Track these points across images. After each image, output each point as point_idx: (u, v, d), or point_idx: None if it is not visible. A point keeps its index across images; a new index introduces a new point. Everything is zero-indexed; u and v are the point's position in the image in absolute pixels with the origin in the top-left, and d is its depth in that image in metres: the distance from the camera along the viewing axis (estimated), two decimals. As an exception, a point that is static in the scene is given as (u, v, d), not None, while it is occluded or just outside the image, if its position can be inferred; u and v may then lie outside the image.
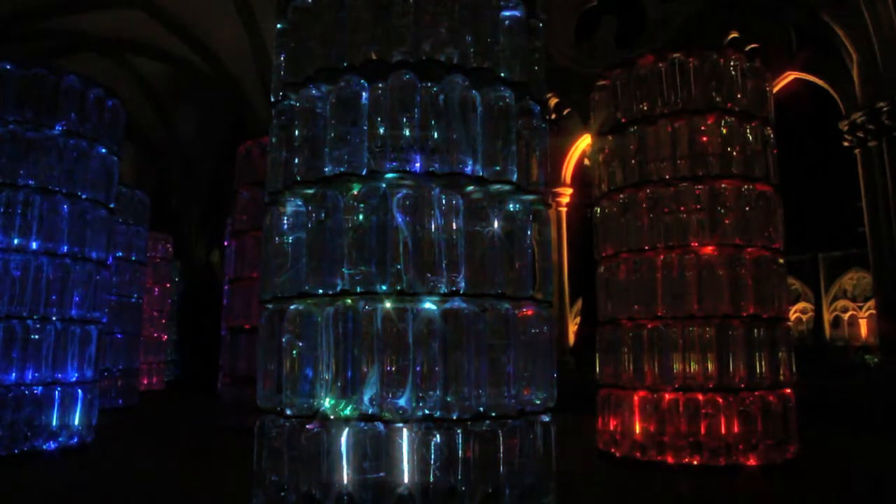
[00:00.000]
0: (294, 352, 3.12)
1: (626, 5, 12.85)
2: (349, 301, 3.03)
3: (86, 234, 6.05)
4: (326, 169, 3.16)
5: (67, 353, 5.83)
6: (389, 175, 3.06)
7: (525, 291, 3.23)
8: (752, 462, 4.91)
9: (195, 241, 18.10)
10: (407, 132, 3.09)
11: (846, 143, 10.15)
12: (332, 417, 2.97)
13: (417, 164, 3.07)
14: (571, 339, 15.31)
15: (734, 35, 11.45)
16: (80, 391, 5.91)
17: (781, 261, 5.42)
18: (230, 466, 4.82)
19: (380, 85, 3.14)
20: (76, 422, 5.88)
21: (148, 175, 18.35)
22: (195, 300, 15.84)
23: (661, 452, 5.07)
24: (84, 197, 6.04)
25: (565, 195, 14.46)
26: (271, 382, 3.22)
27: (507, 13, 3.38)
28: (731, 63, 5.44)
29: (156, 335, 13.02)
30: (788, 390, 5.20)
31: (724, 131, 5.32)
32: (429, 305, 2.99)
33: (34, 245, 5.70)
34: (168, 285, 13.93)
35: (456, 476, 2.90)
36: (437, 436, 2.90)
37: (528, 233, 3.29)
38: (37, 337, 5.64)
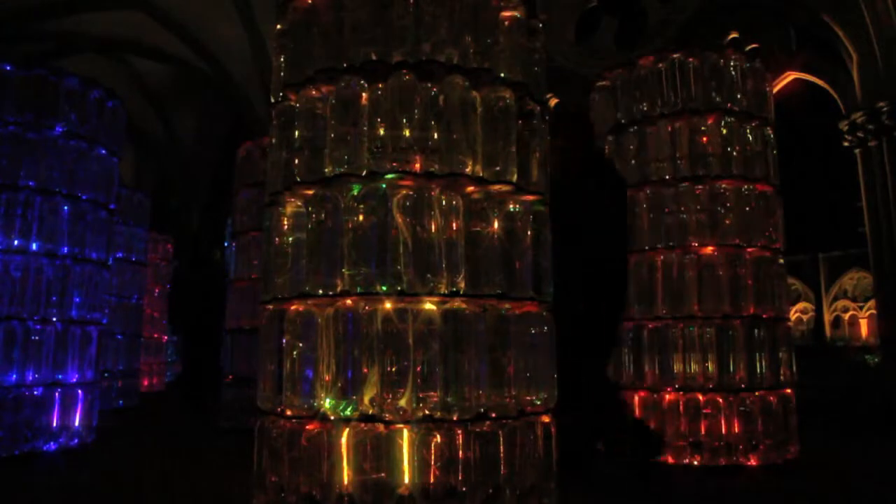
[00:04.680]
0: (294, 352, 3.12)
1: (626, 6, 12.85)
2: (349, 302, 3.03)
3: (86, 235, 6.05)
4: (326, 170, 3.16)
5: (68, 354, 5.83)
6: (389, 176, 3.06)
7: (525, 292, 3.23)
8: (752, 462, 4.91)
9: (195, 241, 18.10)
10: (407, 133, 3.09)
11: (846, 143, 10.15)
12: (332, 418, 2.97)
13: (417, 165, 3.08)
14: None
15: (734, 35, 11.44)
16: (80, 392, 5.91)
17: (781, 261, 5.43)
18: (230, 467, 4.81)
19: (379, 85, 3.14)
20: (76, 423, 5.88)
21: (148, 175, 18.36)
22: (195, 300, 15.83)
23: (661, 453, 5.07)
24: (84, 198, 6.04)
25: (566, 195, 14.45)
26: (272, 383, 3.22)
27: (506, 13, 3.39)
28: (731, 63, 5.44)
29: (156, 336, 13.00)
30: (789, 390, 5.20)
31: (725, 131, 5.33)
32: (429, 306, 2.99)
33: (34, 246, 5.70)
34: (168, 286, 13.92)
35: (456, 476, 2.90)
36: (438, 436, 2.90)
37: (528, 233, 3.30)
38: (37, 338, 5.64)
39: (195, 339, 14.31)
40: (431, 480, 2.88)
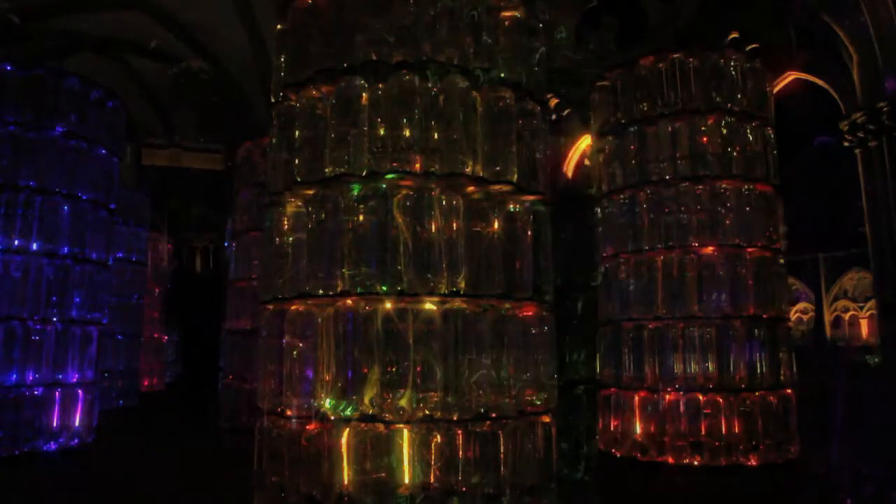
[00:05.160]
0: (294, 353, 3.12)
1: (626, 6, 12.86)
2: (349, 302, 3.03)
3: (86, 235, 6.04)
4: (326, 170, 3.16)
5: (68, 354, 5.82)
6: (389, 176, 3.06)
7: (525, 292, 3.23)
8: (752, 462, 4.91)
9: (195, 242, 18.10)
10: (407, 133, 3.09)
11: (846, 143, 10.15)
12: (332, 418, 2.97)
13: (417, 165, 3.07)
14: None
15: (734, 35, 11.43)
16: (80, 392, 5.91)
17: (782, 261, 5.43)
18: (230, 467, 4.81)
19: (380, 85, 3.14)
20: (76, 423, 5.87)
21: (148, 175, 18.34)
22: (195, 300, 15.84)
23: (661, 453, 5.07)
24: (84, 198, 6.04)
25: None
26: (272, 383, 3.22)
27: (506, 13, 3.39)
28: (731, 63, 5.44)
29: (156, 336, 13.01)
30: (789, 390, 5.20)
31: (725, 131, 5.33)
32: (429, 306, 2.99)
33: (34, 246, 5.70)
34: (169, 286, 13.93)
35: (456, 476, 2.90)
36: (438, 436, 2.90)
37: (528, 233, 3.29)
38: (37, 338, 5.63)
39: (195, 339, 14.32)
40: (431, 480, 2.88)
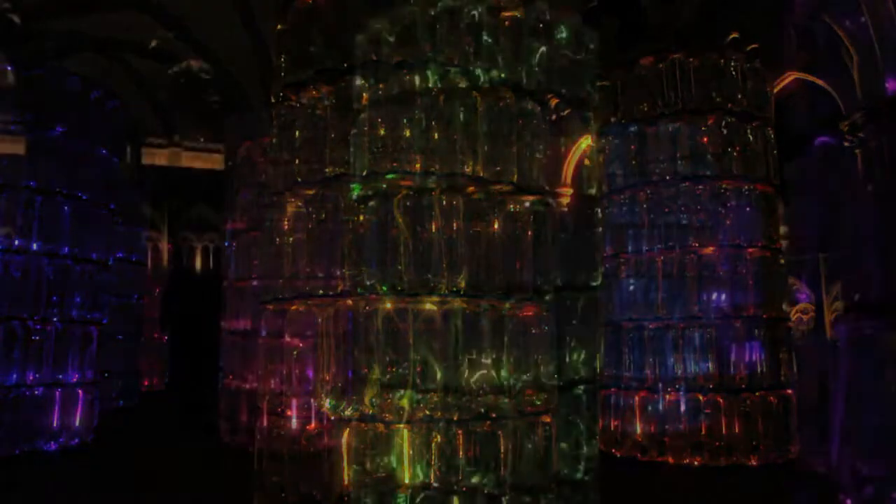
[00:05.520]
0: (294, 353, 3.13)
1: (626, 6, 12.85)
2: (349, 302, 3.03)
3: (86, 235, 6.05)
4: (326, 170, 3.16)
5: (68, 353, 5.82)
6: (389, 176, 3.05)
7: (525, 292, 3.23)
8: (752, 462, 4.91)
9: (195, 242, 18.10)
10: (407, 133, 3.09)
11: (846, 143, 10.15)
12: (332, 418, 2.97)
13: (417, 165, 3.07)
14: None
15: (734, 35, 11.43)
16: (80, 392, 5.91)
17: (782, 261, 5.43)
18: (230, 467, 4.82)
19: (380, 86, 3.14)
20: (76, 423, 5.88)
21: (148, 175, 18.34)
22: (194, 301, 15.83)
23: (661, 453, 5.07)
24: (84, 198, 6.04)
25: (565, 195, 14.47)
26: (272, 383, 3.22)
27: (506, 13, 3.39)
28: (731, 63, 5.45)
29: (156, 336, 13.00)
30: (789, 390, 5.20)
31: (725, 131, 5.33)
32: (429, 306, 2.99)
33: (35, 246, 5.70)
34: (168, 287, 13.91)
35: (456, 477, 2.90)
36: (438, 436, 2.90)
37: (528, 233, 3.29)
38: (37, 338, 5.63)
39: (194, 339, 14.29)
40: (431, 480, 2.88)
